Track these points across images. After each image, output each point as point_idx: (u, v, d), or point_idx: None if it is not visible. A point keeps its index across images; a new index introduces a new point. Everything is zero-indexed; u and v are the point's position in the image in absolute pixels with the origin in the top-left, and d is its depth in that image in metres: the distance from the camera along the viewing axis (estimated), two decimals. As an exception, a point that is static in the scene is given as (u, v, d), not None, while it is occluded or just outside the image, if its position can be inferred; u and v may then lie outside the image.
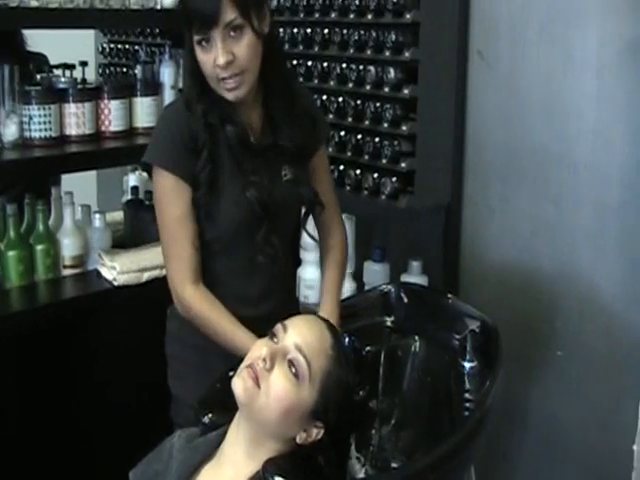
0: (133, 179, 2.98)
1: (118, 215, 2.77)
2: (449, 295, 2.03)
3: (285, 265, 1.86)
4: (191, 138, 1.69)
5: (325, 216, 1.89)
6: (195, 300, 1.72)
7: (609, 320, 2.16)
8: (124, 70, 3.30)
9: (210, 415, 1.57)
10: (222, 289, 1.76)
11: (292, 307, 1.86)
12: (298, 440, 1.37)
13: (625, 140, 2.07)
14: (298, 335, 1.38)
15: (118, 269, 2.36)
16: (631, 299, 2.11)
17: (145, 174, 3.07)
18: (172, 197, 1.71)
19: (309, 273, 2.52)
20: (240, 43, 1.61)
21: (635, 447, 1.99)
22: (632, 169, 2.06)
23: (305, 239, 2.43)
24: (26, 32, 2.70)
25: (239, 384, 1.35)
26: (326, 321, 1.50)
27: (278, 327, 1.40)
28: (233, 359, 1.57)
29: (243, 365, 1.38)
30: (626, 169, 2.07)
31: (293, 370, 1.35)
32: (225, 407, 1.49)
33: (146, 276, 2.41)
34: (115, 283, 2.37)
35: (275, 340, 1.39)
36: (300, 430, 1.36)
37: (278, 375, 1.34)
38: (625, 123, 2.06)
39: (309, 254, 2.53)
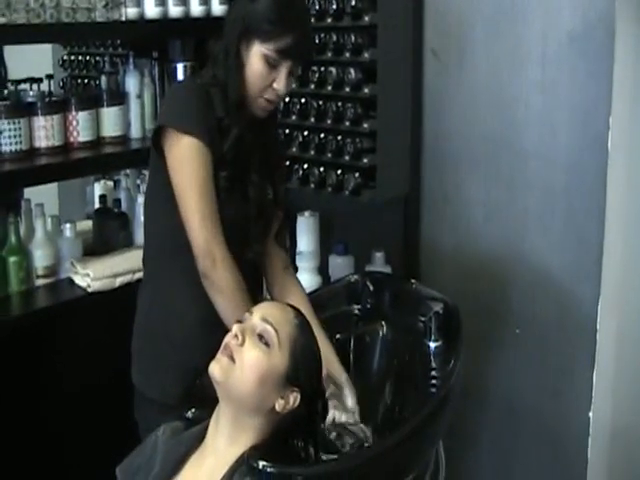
0: (99, 188, 3.19)
1: (85, 224, 2.96)
2: (412, 281, 2.25)
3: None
4: (214, 112, 1.82)
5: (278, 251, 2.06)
6: (225, 265, 1.82)
7: (560, 296, 2.40)
8: (85, 82, 3.48)
9: (193, 410, 1.74)
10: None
11: None
12: (277, 407, 1.54)
13: (569, 127, 2.33)
14: (263, 310, 1.60)
15: (92, 275, 2.55)
16: (578, 276, 2.36)
17: (110, 183, 3.32)
18: (199, 158, 1.80)
19: (305, 280, 2.66)
20: (292, 80, 1.87)
21: (590, 414, 2.28)
22: (575, 154, 2.32)
23: (300, 246, 2.68)
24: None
25: (215, 364, 1.54)
26: (287, 303, 1.73)
27: (246, 314, 1.61)
28: (203, 355, 1.64)
29: (219, 350, 1.57)
30: (570, 154, 2.33)
31: (263, 340, 1.54)
32: (207, 401, 1.64)
33: (119, 281, 2.61)
34: (89, 290, 2.55)
35: (244, 322, 1.59)
36: (277, 398, 1.54)
37: (249, 346, 1.54)
38: (568, 111, 2.32)
39: (304, 262, 2.78)
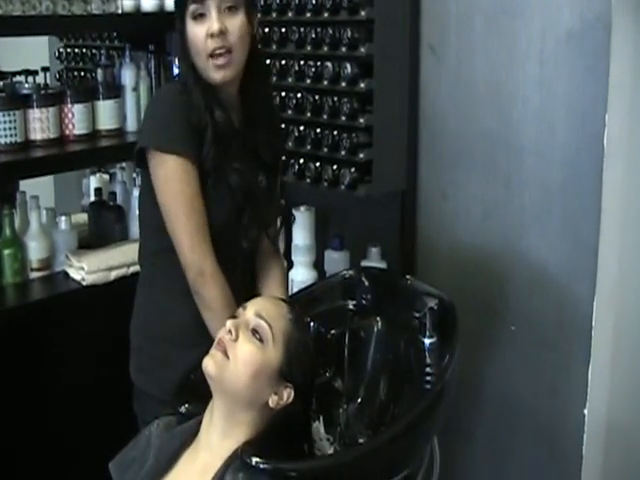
0: (94, 181, 3.21)
1: (81, 217, 2.98)
2: (407, 276, 2.25)
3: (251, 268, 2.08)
4: (192, 119, 1.81)
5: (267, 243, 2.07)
6: (216, 281, 1.85)
7: (556, 293, 2.40)
8: (81, 74, 3.50)
9: (187, 405, 1.74)
10: None
11: None
12: (271, 403, 1.55)
13: (566, 124, 2.32)
14: (257, 306, 1.61)
15: (86, 269, 2.56)
16: (575, 273, 2.36)
17: (106, 176, 3.34)
18: (184, 177, 1.81)
19: (300, 275, 2.76)
20: (233, 20, 1.81)
21: (586, 411, 2.29)
22: (573, 152, 2.31)
23: (295, 241, 2.69)
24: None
25: (209, 360, 1.55)
26: (281, 298, 1.75)
27: (239, 309, 1.63)
28: (200, 352, 1.65)
29: (213, 345, 1.58)
30: (567, 152, 2.33)
31: (257, 335, 1.56)
32: (201, 397, 1.64)
33: (114, 275, 2.62)
34: (84, 283, 2.57)
35: (238, 317, 1.60)
36: (271, 393, 1.56)
37: (243, 342, 1.55)
38: (566, 108, 2.32)
39: (300, 256, 2.78)
